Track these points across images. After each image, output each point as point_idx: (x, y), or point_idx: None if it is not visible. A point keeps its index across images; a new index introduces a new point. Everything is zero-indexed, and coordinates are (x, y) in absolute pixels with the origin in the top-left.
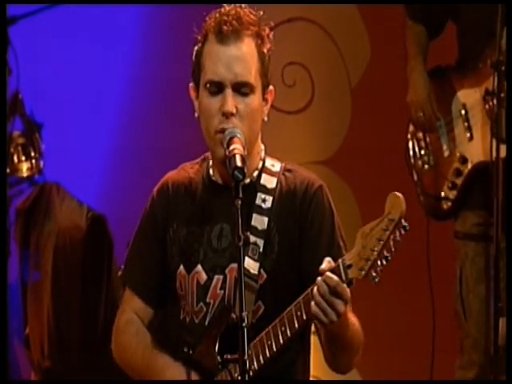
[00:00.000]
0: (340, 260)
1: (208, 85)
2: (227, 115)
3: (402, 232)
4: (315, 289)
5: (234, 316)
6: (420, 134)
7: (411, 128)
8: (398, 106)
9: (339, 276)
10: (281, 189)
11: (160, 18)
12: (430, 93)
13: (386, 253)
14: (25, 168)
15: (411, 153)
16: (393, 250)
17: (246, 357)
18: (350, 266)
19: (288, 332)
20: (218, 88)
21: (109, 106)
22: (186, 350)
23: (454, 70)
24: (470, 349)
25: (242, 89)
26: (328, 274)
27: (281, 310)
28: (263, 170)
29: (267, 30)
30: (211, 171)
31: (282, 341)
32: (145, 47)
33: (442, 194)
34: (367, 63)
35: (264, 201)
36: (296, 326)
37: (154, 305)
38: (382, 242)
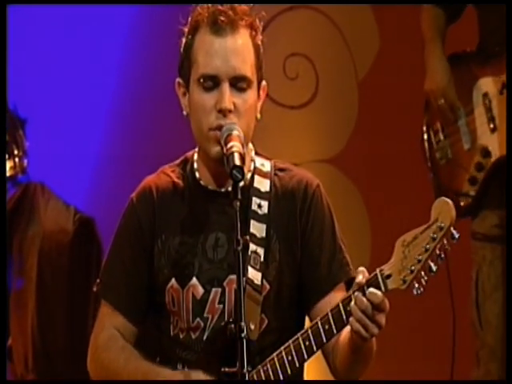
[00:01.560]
0: (378, 270)
1: (202, 79)
2: (224, 112)
3: (451, 241)
4: (354, 304)
5: (233, 327)
6: (437, 125)
7: (427, 118)
8: (408, 99)
9: (378, 287)
10: (276, 192)
11: (152, 21)
12: (451, 78)
13: (431, 263)
14: (7, 167)
15: (427, 145)
16: (439, 260)
17: (244, 370)
18: (389, 276)
19: (314, 346)
20: (213, 82)
21: (99, 101)
22: (180, 367)
23: (475, 56)
24: (486, 360)
25: (239, 83)
26: (372, 290)
27: (284, 323)
28: (255, 171)
29: (258, 21)
30: (197, 174)
31: (306, 356)
32: (137, 46)
33: (462, 189)
34: (376, 54)
35: (260, 206)
36: (324, 340)
37: (137, 321)
38: (428, 251)
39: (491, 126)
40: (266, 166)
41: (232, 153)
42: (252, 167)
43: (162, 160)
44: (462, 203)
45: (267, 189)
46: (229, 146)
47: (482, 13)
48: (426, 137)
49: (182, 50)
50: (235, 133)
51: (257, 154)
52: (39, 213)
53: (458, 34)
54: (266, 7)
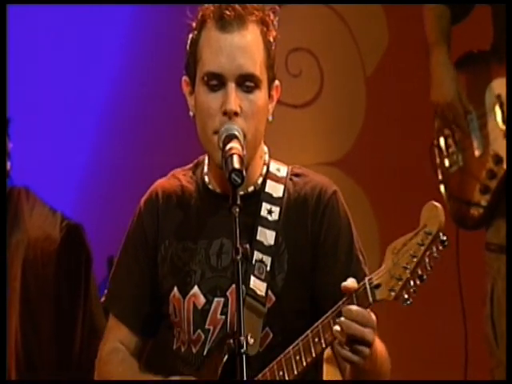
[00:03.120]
0: (366, 279)
1: (206, 77)
2: (230, 115)
3: (440, 247)
4: (336, 327)
5: (231, 342)
6: (448, 130)
7: (437, 123)
8: (419, 97)
9: (365, 298)
10: (289, 197)
11: (147, 28)
12: (459, 88)
13: (420, 271)
14: None
15: (437, 151)
16: (428, 268)
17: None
18: (378, 286)
19: (303, 361)
20: (218, 81)
21: (90, 104)
22: None
23: (489, 55)
24: (502, 379)
25: (246, 83)
26: (348, 307)
27: (290, 338)
28: (268, 175)
29: (272, 16)
30: (206, 178)
31: (296, 371)
32: (132, 48)
33: (473, 198)
34: (384, 49)
35: (270, 212)
36: (313, 354)
37: (142, 333)
38: (415, 259)
39: (504, 130)
40: (281, 171)
41: (231, 155)
42: (264, 171)
43: (153, 165)
44: (475, 213)
45: (280, 194)
46: (227, 147)
47: (496, 11)
48: (436, 142)
49: (188, 46)
50: (234, 134)
51: (273, 158)
52: (23, 219)
53: (470, 33)
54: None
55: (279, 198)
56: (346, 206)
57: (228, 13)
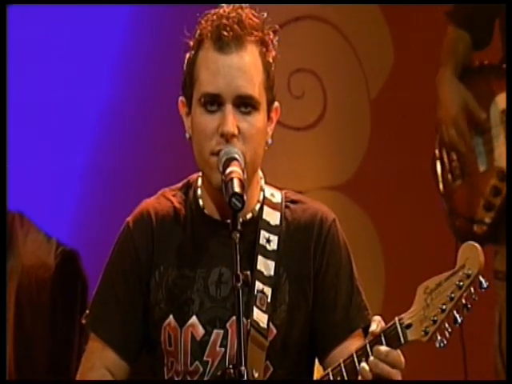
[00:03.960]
0: (397, 319)
1: (203, 99)
2: (227, 137)
3: (478, 290)
4: (364, 365)
5: (231, 371)
6: (452, 132)
7: (439, 137)
8: (424, 121)
9: (396, 339)
10: (287, 225)
11: (147, 28)
12: (465, 105)
13: (456, 313)
14: None
15: (439, 166)
16: (465, 310)
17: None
18: (409, 326)
19: None
20: (215, 102)
21: (86, 122)
22: None
23: (494, 69)
24: None
25: (244, 104)
26: (378, 348)
27: (291, 372)
28: (264, 201)
29: (271, 35)
30: (201, 202)
31: None
32: (132, 49)
33: (476, 215)
34: (389, 71)
35: (268, 241)
36: None
37: (131, 359)
38: (453, 300)
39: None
40: (276, 196)
41: (231, 179)
42: (261, 197)
43: (152, 190)
44: (478, 231)
45: (277, 222)
46: (227, 171)
47: (502, 22)
48: (437, 154)
49: (184, 66)
50: (234, 157)
51: (266, 183)
52: (17, 246)
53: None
54: (270, 17)
55: (277, 227)
56: (344, 234)
57: (226, 34)
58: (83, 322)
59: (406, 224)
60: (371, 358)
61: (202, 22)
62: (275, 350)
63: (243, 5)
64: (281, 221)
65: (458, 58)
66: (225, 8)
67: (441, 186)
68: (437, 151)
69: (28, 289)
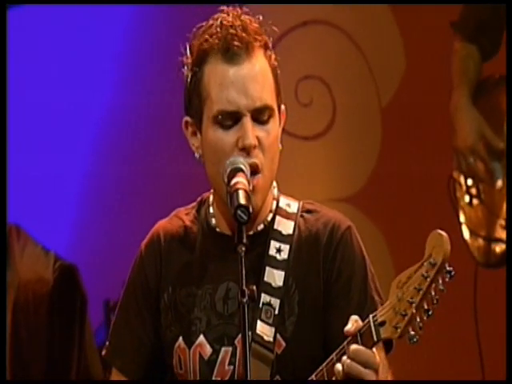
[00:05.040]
0: (370, 317)
1: (220, 116)
2: (249, 150)
3: (446, 279)
4: (338, 365)
5: None
6: (470, 160)
7: (457, 161)
8: (438, 129)
9: (370, 337)
10: (299, 234)
11: (147, 28)
12: (482, 134)
13: (426, 305)
14: None
15: (456, 184)
16: (434, 301)
17: None
18: (382, 324)
19: None
20: (232, 119)
21: (85, 132)
22: None
23: (504, 82)
24: None
25: (261, 115)
26: (351, 347)
27: None
28: (277, 211)
29: (270, 40)
30: (214, 221)
31: None
32: (129, 62)
33: (494, 234)
34: (401, 77)
35: (279, 251)
36: None
37: None
38: (421, 292)
39: None
40: (292, 206)
41: (236, 190)
42: (274, 207)
43: (153, 204)
44: (496, 250)
45: (290, 231)
46: (232, 182)
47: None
48: (455, 174)
49: (188, 84)
50: (240, 167)
51: (282, 193)
52: (14, 260)
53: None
54: (276, 22)
55: (289, 236)
56: (361, 243)
57: (236, 43)
58: (103, 353)
59: (419, 239)
60: (344, 357)
61: (205, 36)
62: (285, 363)
63: (237, 9)
64: (294, 230)
65: (471, 78)
66: (222, 18)
67: (458, 207)
68: (455, 173)
69: (24, 305)
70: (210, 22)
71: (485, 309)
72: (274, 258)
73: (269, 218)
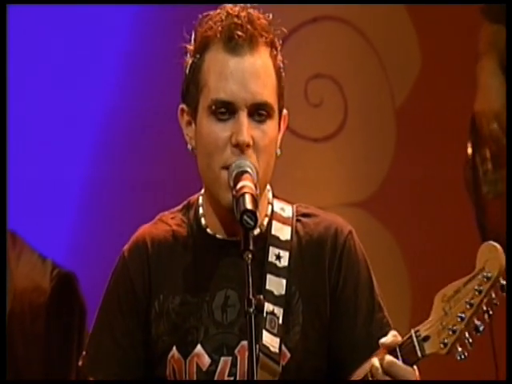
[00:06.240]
0: (412, 331)
1: (214, 106)
2: (242, 147)
3: (500, 293)
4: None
5: None
6: (486, 152)
7: (473, 142)
8: (454, 130)
9: (413, 353)
10: (299, 240)
11: (148, 29)
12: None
13: (477, 321)
14: None
15: (471, 175)
16: (486, 317)
17: None
18: (426, 339)
19: None
20: (228, 110)
21: (84, 137)
22: None
23: None
24: None
25: (258, 112)
26: (392, 360)
27: None
28: (273, 216)
29: (279, 41)
30: (203, 221)
31: None
32: (130, 64)
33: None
34: (416, 76)
35: (279, 257)
36: None
37: None
38: (473, 308)
39: None
40: (286, 210)
41: (243, 194)
42: (269, 211)
43: (153, 208)
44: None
45: (288, 237)
46: (239, 186)
47: None
48: (471, 164)
49: (187, 71)
50: (246, 170)
51: (275, 196)
52: (10, 267)
53: None
54: (284, 18)
55: (287, 242)
56: (362, 247)
57: (239, 33)
58: (80, 364)
59: (434, 244)
60: (380, 370)
61: (209, 23)
62: (290, 375)
63: (247, 5)
64: (292, 235)
65: (500, 48)
66: (229, 8)
67: (474, 198)
68: (469, 149)
69: (21, 315)
70: (217, 10)
71: (499, 308)
72: (274, 265)
73: (265, 223)
